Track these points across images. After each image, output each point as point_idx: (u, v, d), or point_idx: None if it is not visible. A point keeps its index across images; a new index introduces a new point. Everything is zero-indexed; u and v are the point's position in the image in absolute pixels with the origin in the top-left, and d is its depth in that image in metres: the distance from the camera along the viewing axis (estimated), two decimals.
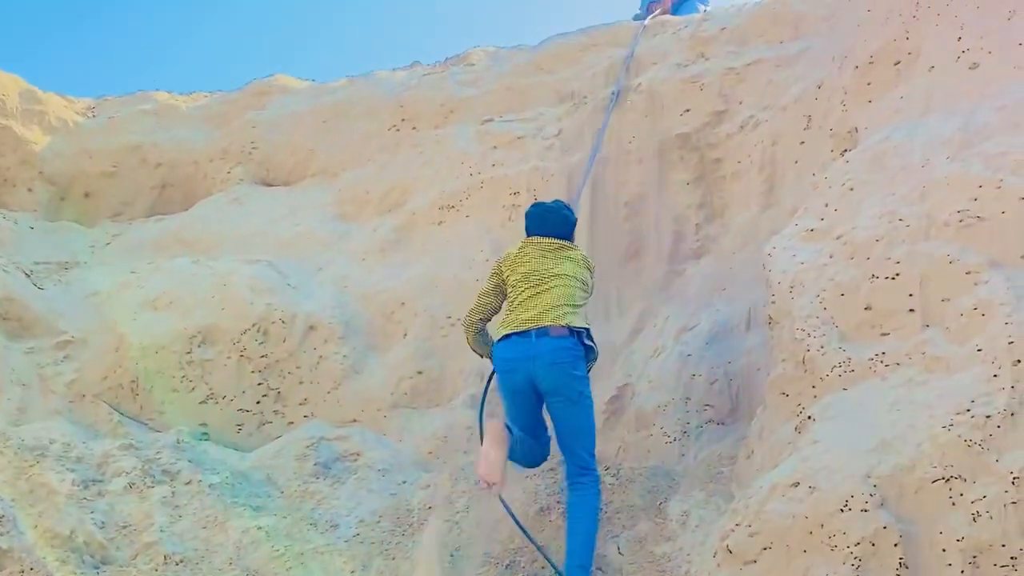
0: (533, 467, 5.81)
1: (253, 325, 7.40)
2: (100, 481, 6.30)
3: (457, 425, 6.89)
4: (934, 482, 4.22)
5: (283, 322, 7.43)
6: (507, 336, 5.50)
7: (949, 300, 4.79)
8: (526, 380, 5.39)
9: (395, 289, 7.64)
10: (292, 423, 7.28)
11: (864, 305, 5.04)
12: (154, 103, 9.94)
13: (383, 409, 7.20)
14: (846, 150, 6.16)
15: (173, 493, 6.25)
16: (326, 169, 8.92)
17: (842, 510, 4.26)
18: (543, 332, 5.36)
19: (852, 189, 5.49)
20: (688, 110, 7.47)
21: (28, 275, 7.93)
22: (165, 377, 7.40)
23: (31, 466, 6.23)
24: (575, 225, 5.91)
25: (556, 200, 6.08)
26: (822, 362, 5.02)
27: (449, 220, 7.84)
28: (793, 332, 5.16)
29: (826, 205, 5.56)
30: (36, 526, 5.83)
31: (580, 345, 5.43)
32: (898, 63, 6.13)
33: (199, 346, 7.41)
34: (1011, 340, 4.39)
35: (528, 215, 5.85)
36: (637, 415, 6.34)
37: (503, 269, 5.74)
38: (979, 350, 4.53)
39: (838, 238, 5.31)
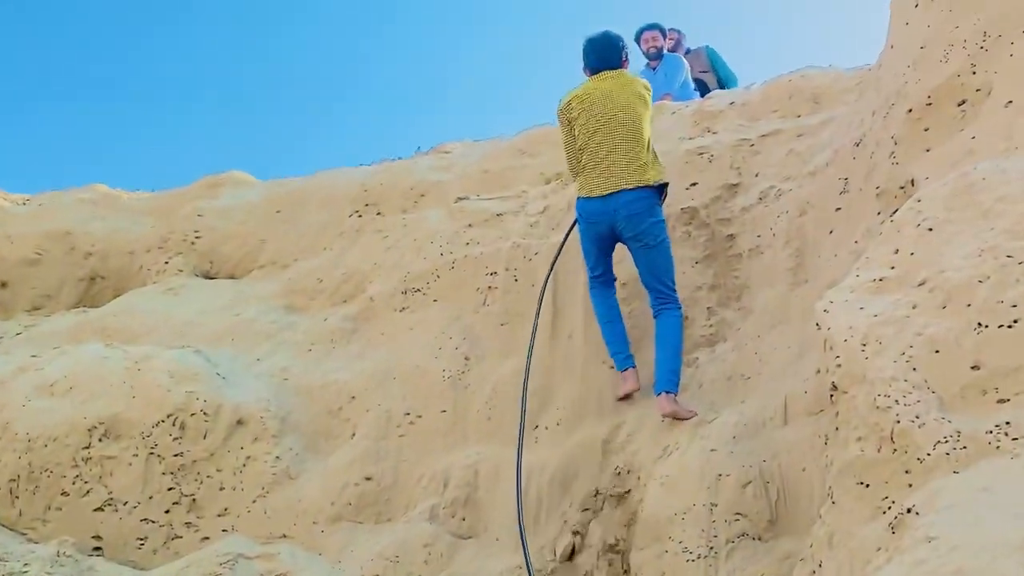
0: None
1: (168, 416, 5.78)
2: None
3: (412, 544, 5.23)
4: None
5: (205, 414, 5.80)
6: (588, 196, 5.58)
7: None
8: (608, 229, 5.54)
9: (344, 382, 6.10)
10: (207, 538, 5.57)
11: (971, 363, 3.55)
12: (93, 193, 8.54)
13: (321, 523, 5.56)
14: (896, 211, 4.76)
15: None
16: (276, 260, 7.54)
17: None
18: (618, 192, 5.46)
19: (931, 230, 4.11)
20: (695, 184, 6.16)
21: None
22: (54, 476, 5.70)
23: None
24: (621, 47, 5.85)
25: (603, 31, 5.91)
26: (920, 438, 3.48)
27: (413, 305, 6.38)
28: (873, 401, 3.63)
29: (896, 251, 4.17)
30: None
31: (653, 193, 5.51)
32: (963, 102, 4.84)
33: (100, 439, 5.76)
34: None
35: (585, 49, 5.84)
36: (646, 525, 4.69)
37: (568, 108, 5.72)
38: None
39: (921, 284, 3.91)
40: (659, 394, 5.19)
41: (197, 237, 7.84)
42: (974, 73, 4.82)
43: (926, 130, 4.92)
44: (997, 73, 4.74)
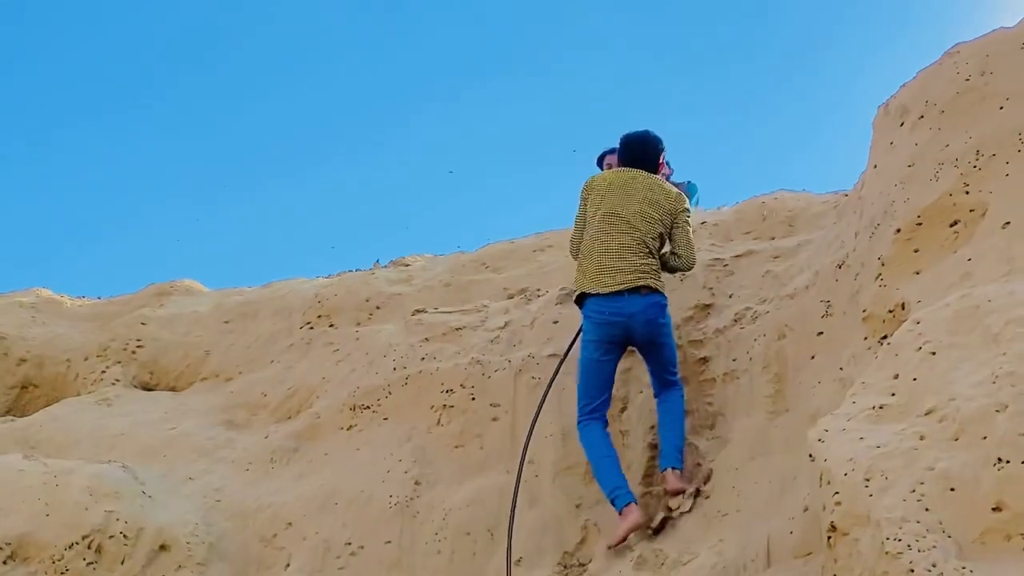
0: None
1: (84, 538, 5.10)
2: None
3: None
4: None
5: (125, 537, 5.13)
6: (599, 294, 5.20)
7: None
8: (622, 333, 5.16)
9: (281, 505, 5.49)
10: None
11: (992, 504, 3.06)
12: (35, 297, 7.95)
13: None
14: (885, 336, 4.35)
15: None
16: (220, 372, 7.01)
17: None
18: (635, 292, 5.13)
19: (934, 354, 3.69)
20: None
21: None
22: None
23: None
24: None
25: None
26: None
27: (361, 423, 5.84)
28: (881, 546, 3.10)
29: (896, 376, 3.76)
30: None
31: (663, 297, 5.23)
32: (956, 223, 4.47)
33: (5, 562, 5.03)
34: None
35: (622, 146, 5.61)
36: None
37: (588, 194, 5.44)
38: None
39: (929, 413, 3.47)
40: (665, 470, 4.98)
41: (139, 346, 7.27)
42: (967, 192, 4.47)
43: (916, 251, 4.55)
44: (992, 192, 4.40)
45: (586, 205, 5.37)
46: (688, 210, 5.42)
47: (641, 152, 5.49)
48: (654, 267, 5.21)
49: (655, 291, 5.14)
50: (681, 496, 4.89)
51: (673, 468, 4.93)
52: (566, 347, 5.44)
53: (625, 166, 5.48)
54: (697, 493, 4.89)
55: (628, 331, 5.08)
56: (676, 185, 8.40)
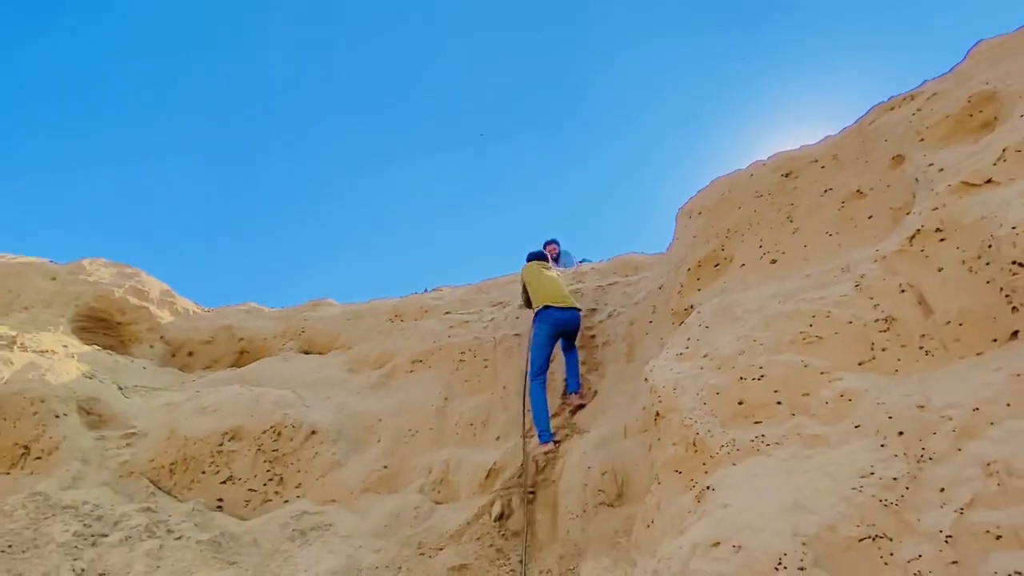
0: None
1: (271, 427, 4.93)
2: (104, 535, 3.58)
3: (407, 506, 4.42)
4: (861, 540, 2.07)
5: (293, 427, 4.98)
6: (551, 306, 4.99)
7: (809, 395, 2.84)
8: (563, 330, 4.95)
9: (375, 411, 5.31)
10: (287, 502, 4.66)
11: (737, 400, 3.03)
12: (248, 307, 7.77)
13: (355, 493, 4.68)
14: (683, 322, 4.33)
15: (161, 547, 3.61)
16: (346, 344, 6.76)
17: (776, 568, 2.02)
18: (574, 309, 5.01)
19: (707, 327, 3.63)
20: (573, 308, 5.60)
21: (121, 389, 5.38)
22: (198, 462, 4.79)
23: (45, 518, 3.51)
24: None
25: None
26: (711, 443, 2.92)
27: (418, 370, 5.67)
28: (682, 421, 3.07)
29: (688, 339, 3.67)
30: (21, 573, 3.07)
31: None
32: (718, 265, 4.47)
33: (229, 441, 4.87)
34: (889, 416, 2.39)
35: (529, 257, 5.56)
36: (552, 499, 3.98)
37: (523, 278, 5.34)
38: (857, 426, 2.52)
39: (705, 356, 3.40)
40: (571, 393, 4.86)
41: (302, 332, 7.10)
42: (723, 250, 4.48)
43: (698, 279, 4.54)
44: (735, 250, 4.41)
45: (526, 277, 5.35)
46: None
47: (540, 255, 5.62)
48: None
49: (578, 309, 5.13)
50: (579, 406, 4.83)
51: (574, 392, 4.91)
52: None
53: (533, 258, 5.58)
54: (582, 406, 4.77)
55: (567, 328, 5.01)
56: (573, 260, 8.34)
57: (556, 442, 4.46)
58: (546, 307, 5.03)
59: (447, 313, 6.25)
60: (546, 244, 8.58)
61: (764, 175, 4.51)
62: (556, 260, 8.25)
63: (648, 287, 5.31)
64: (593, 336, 5.35)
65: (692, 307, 4.42)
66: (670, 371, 3.45)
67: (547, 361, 4.89)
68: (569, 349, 5.11)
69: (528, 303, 5.38)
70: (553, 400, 4.91)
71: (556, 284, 5.22)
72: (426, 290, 7.61)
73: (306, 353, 6.99)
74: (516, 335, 5.54)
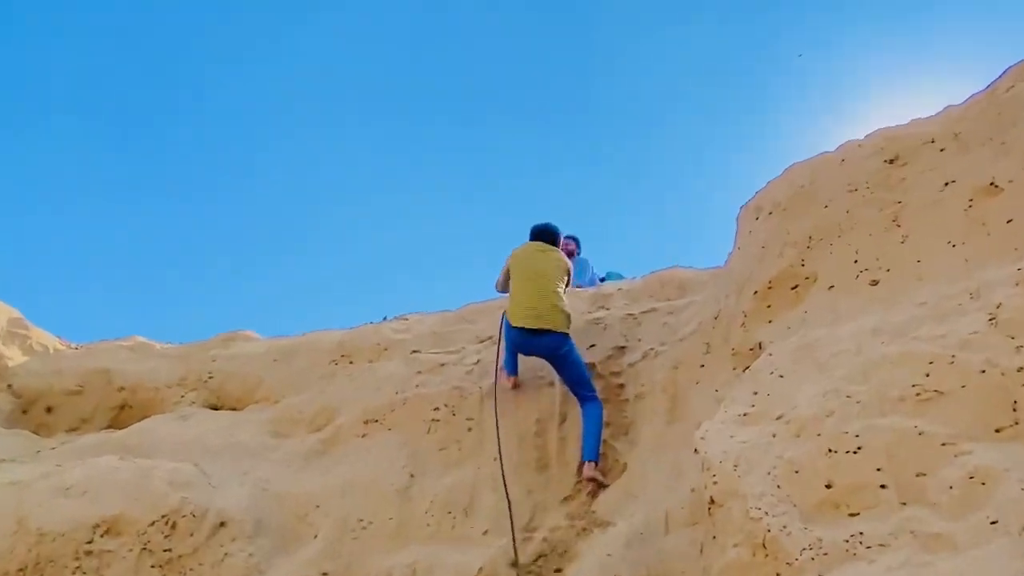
0: None
1: (163, 517, 4.79)
2: None
3: None
4: None
5: (194, 516, 4.85)
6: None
7: (926, 475, 2.77)
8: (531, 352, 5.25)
9: (311, 492, 5.21)
10: None
11: (824, 482, 2.97)
12: (132, 342, 7.66)
13: None
14: (747, 367, 4.28)
15: None
16: (269, 396, 6.65)
17: None
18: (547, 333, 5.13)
19: (782, 376, 3.59)
20: (593, 345, 5.61)
21: None
22: (57, 567, 4.62)
23: None
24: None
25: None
26: (788, 544, 2.83)
27: (371, 432, 5.58)
28: (747, 512, 2.98)
29: (755, 393, 3.63)
30: None
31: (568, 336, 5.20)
32: (796, 286, 4.45)
33: (102, 536, 4.73)
34: None
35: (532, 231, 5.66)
36: None
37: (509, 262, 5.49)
38: (994, 522, 2.44)
39: (779, 418, 3.35)
40: (584, 462, 4.82)
41: (210, 377, 6.97)
42: (803, 265, 4.47)
43: (768, 306, 4.53)
44: (820, 265, 4.38)
45: (512, 263, 5.47)
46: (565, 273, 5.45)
47: (544, 235, 5.60)
48: (564, 313, 5.22)
49: (560, 333, 5.16)
50: (598, 485, 4.76)
51: (591, 461, 4.83)
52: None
53: (533, 238, 5.59)
54: (604, 485, 4.71)
55: (537, 354, 5.25)
56: (592, 274, 8.50)
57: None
58: (511, 323, 5.20)
59: (415, 352, 6.16)
60: (563, 245, 8.63)
61: (860, 161, 4.48)
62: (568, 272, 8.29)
63: (698, 316, 5.26)
64: (621, 386, 5.28)
65: (760, 346, 4.37)
66: (730, 439, 3.38)
67: (516, 368, 5.34)
68: (577, 397, 5.08)
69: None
70: (566, 478, 4.79)
71: (537, 289, 5.19)
72: (386, 319, 7.52)
73: (214, 408, 6.86)
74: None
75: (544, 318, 5.11)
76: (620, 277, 8.46)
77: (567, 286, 5.44)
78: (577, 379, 5.11)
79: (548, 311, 5.14)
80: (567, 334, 5.18)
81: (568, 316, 5.25)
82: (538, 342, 5.11)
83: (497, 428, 4.99)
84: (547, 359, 5.19)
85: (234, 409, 6.79)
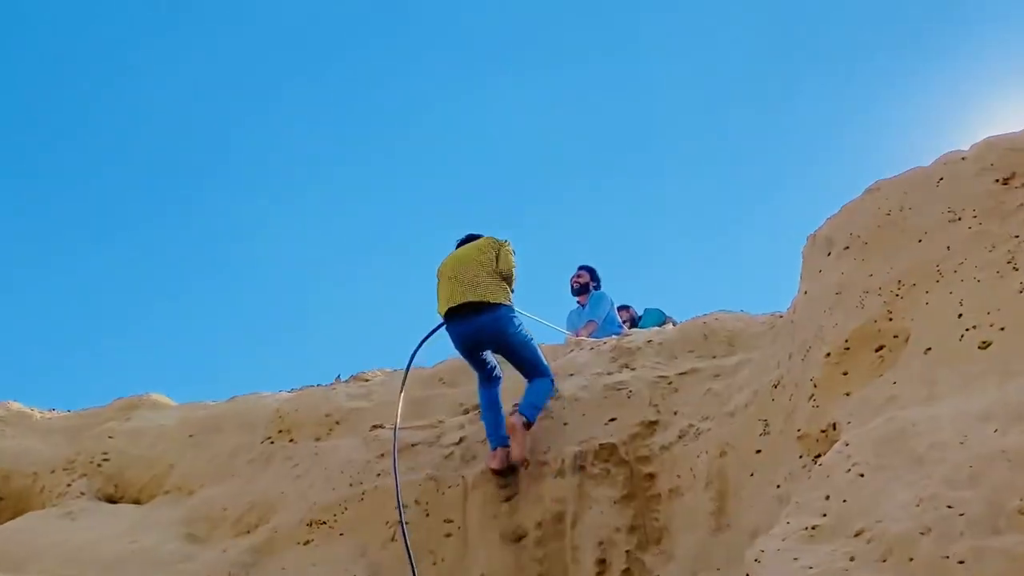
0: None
1: None
2: None
3: None
4: None
5: None
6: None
7: None
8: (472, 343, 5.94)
9: None
10: None
11: None
12: (5, 410, 7.81)
13: None
14: (819, 455, 4.36)
15: None
16: (183, 485, 6.85)
17: None
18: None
19: (863, 475, 3.68)
20: (614, 419, 5.69)
21: None
22: None
23: None
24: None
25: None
26: None
27: (318, 538, 5.71)
28: None
29: (827, 497, 3.71)
30: None
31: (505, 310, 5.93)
32: (881, 348, 4.53)
33: None
34: None
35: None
36: None
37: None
38: None
39: (858, 535, 3.42)
40: (514, 412, 5.64)
41: (105, 459, 7.13)
42: (891, 319, 4.55)
43: (845, 374, 4.59)
44: (914, 320, 4.46)
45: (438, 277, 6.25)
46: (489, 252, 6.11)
47: (466, 237, 6.33)
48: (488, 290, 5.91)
49: (487, 303, 5.84)
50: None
51: (521, 414, 5.56)
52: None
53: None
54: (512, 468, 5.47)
55: (473, 343, 5.93)
56: (638, 316, 8.79)
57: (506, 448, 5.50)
58: (443, 321, 5.97)
59: (376, 427, 6.27)
60: (576, 277, 9.04)
61: (964, 180, 4.57)
62: (576, 293, 8.85)
63: (753, 383, 5.33)
64: (651, 476, 5.36)
65: (835, 427, 4.44)
66: (794, 563, 3.43)
67: (502, 436, 5.69)
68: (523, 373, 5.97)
69: None
70: None
71: (456, 275, 5.95)
72: (339, 379, 7.65)
73: (111, 500, 7.03)
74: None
75: (468, 292, 5.81)
76: (662, 320, 8.63)
77: (500, 264, 6.04)
78: (530, 365, 5.88)
79: (470, 283, 5.85)
80: (506, 305, 5.85)
81: (503, 287, 5.93)
82: (474, 325, 5.78)
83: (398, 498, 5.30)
84: (494, 348, 5.92)
85: (137, 502, 6.98)
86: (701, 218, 31.55)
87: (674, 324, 7.94)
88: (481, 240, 6.21)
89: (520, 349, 5.90)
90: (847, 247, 4.88)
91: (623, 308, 9.20)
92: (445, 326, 5.94)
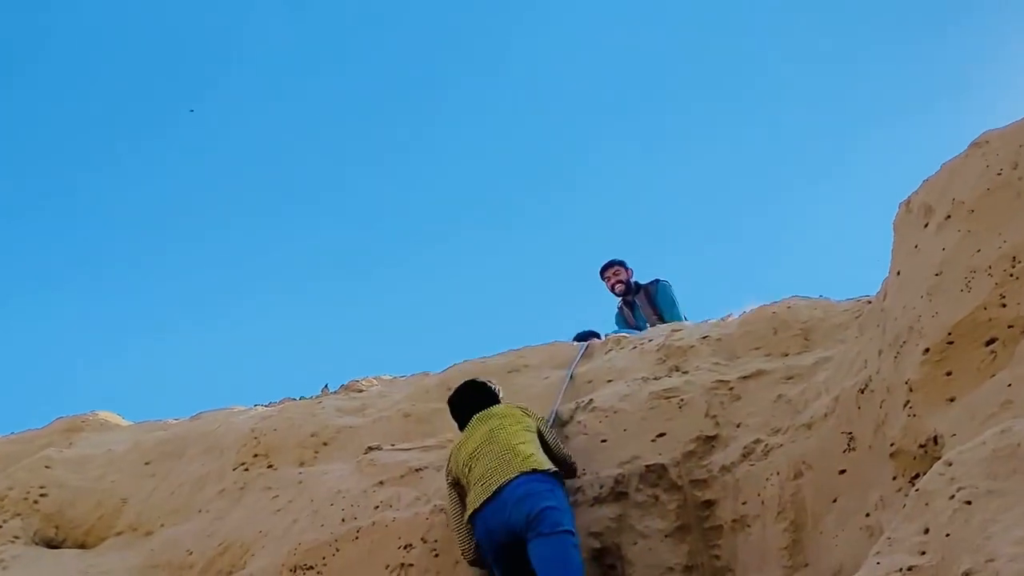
0: None
1: None
2: None
3: None
4: None
5: None
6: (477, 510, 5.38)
7: None
8: (505, 533, 5.27)
9: None
10: None
11: None
12: None
13: None
14: (917, 475, 4.35)
15: None
16: (139, 524, 6.99)
17: None
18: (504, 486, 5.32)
19: (970, 503, 3.66)
20: (663, 435, 5.72)
21: None
22: None
23: None
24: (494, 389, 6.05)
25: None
26: None
27: None
28: None
29: (926, 531, 3.73)
30: None
31: (546, 478, 5.34)
32: (992, 341, 4.48)
33: None
34: None
35: (450, 406, 6.00)
36: None
37: (450, 467, 5.68)
38: None
39: (966, 575, 3.41)
40: None
41: (42, 495, 7.19)
42: (1004, 306, 4.50)
43: (948, 374, 4.56)
44: None
45: (452, 463, 5.68)
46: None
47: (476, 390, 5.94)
48: (526, 451, 5.44)
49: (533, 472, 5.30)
50: None
51: None
52: None
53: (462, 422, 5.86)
54: None
55: (505, 525, 5.25)
56: (645, 284, 8.88)
57: None
58: (471, 516, 5.34)
59: (373, 448, 6.27)
60: (605, 269, 9.27)
61: None
62: (625, 293, 9.06)
63: (834, 386, 5.34)
64: (709, 503, 5.37)
65: (936, 442, 4.42)
66: None
67: None
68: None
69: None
70: None
71: (489, 450, 5.45)
72: (326, 390, 7.68)
73: (50, 545, 7.10)
74: None
75: (499, 470, 5.33)
76: (672, 301, 8.73)
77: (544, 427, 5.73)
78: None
79: (502, 458, 5.39)
80: (547, 472, 5.31)
81: (546, 453, 5.48)
82: (501, 506, 5.22)
83: None
84: (523, 534, 5.21)
85: (83, 546, 7.06)
86: (764, 184, 31.73)
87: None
88: (507, 408, 5.83)
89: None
90: (949, 216, 4.83)
91: (613, 264, 9.19)
92: (475, 517, 5.40)
